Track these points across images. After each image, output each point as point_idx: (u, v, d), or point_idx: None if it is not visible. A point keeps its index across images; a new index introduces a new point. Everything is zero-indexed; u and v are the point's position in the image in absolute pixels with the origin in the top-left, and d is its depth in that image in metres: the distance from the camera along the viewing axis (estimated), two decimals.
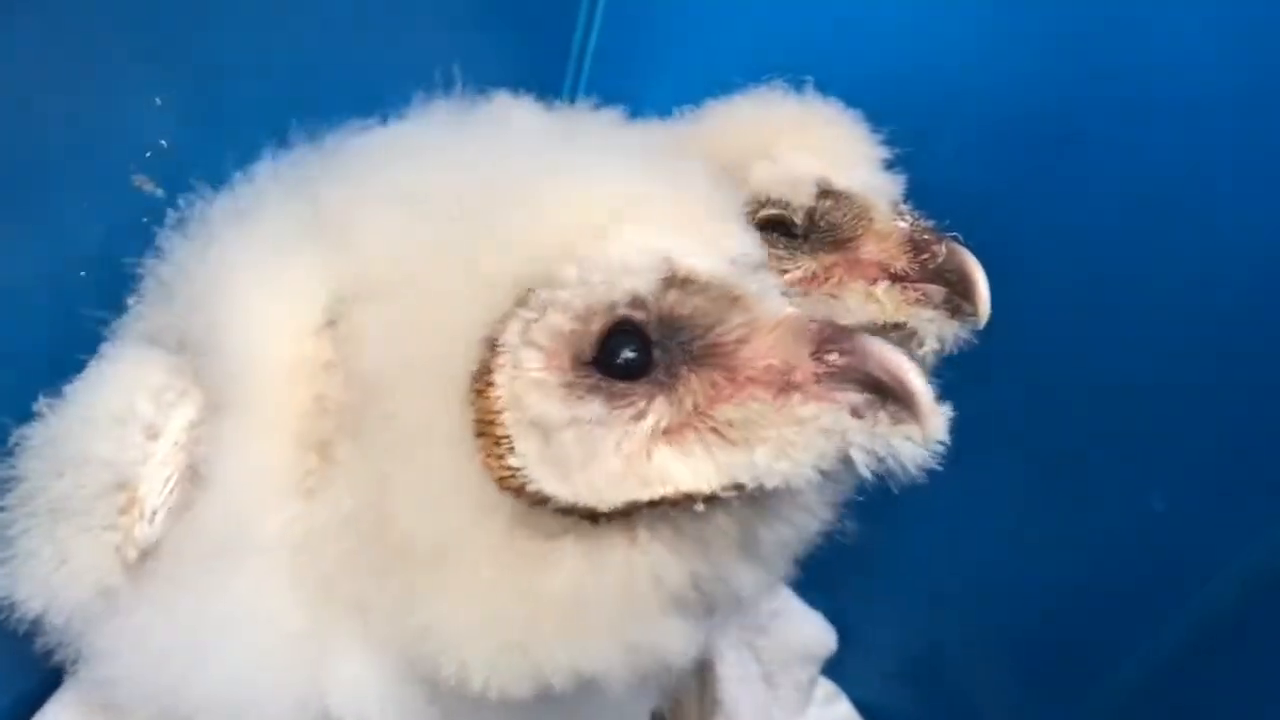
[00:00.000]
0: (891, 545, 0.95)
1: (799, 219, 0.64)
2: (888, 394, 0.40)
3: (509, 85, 0.78)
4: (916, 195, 0.65)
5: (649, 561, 0.42)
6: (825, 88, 0.67)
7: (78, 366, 0.55)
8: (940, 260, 0.61)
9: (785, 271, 0.63)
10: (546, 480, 0.41)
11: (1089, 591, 0.84)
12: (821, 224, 0.64)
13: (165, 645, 0.50)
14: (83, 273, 0.59)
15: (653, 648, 0.44)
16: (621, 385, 0.42)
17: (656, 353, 0.42)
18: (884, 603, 1.02)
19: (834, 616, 1.05)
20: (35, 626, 0.53)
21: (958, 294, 0.61)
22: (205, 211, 0.56)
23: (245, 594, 0.48)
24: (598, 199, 0.43)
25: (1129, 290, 0.73)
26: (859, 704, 1.05)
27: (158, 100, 0.60)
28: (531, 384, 0.41)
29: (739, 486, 0.40)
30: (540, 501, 0.41)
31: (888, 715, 1.04)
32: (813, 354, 0.42)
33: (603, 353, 0.42)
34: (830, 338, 0.42)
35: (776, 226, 0.64)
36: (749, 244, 0.44)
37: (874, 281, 0.62)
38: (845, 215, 0.63)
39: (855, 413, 0.41)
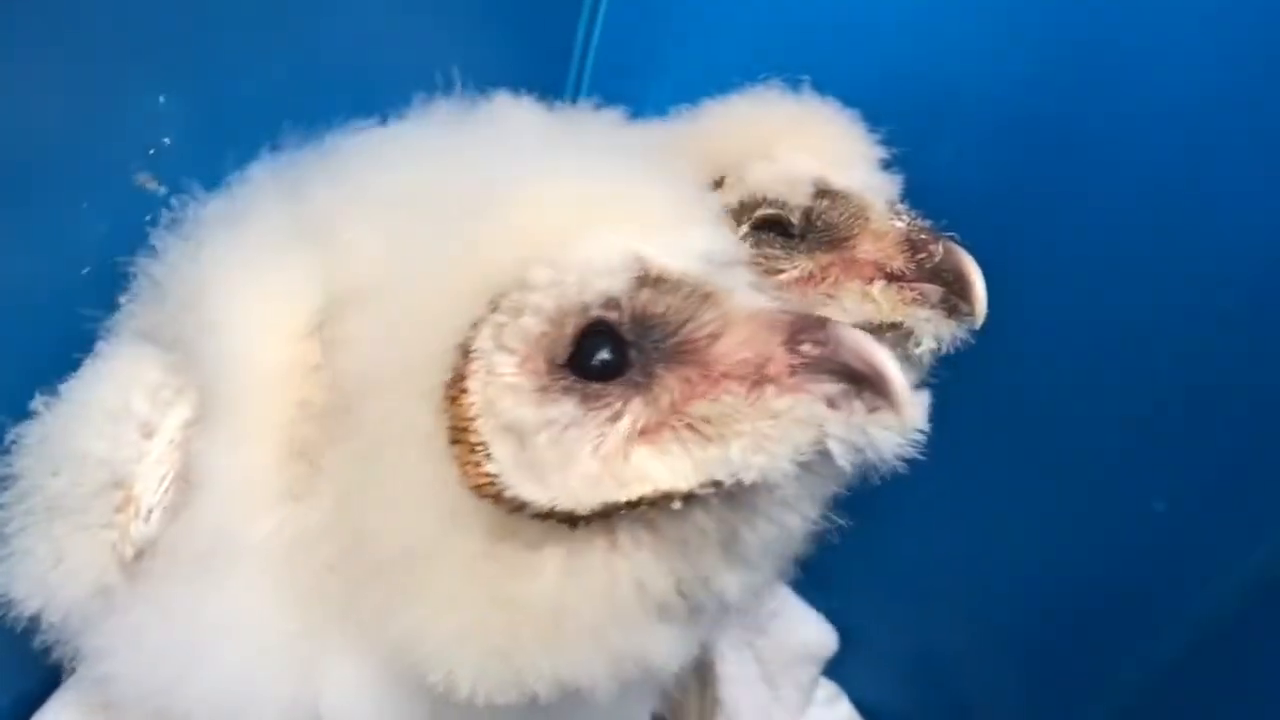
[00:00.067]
0: (893, 546, 0.95)
1: (796, 218, 0.64)
2: (863, 383, 0.40)
3: (511, 85, 0.78)
4: (914, 195, 0.65)
5: (631, 566, 0.42)
6: (826, 87, 0.67)
7: (76, 365, 0.55)
8: (937, 260, 0.61)
9: (782, 271, 0.63)
10: (523, 485, 0.40)
11: (1090, 592, 0.83)
12: (818, 223, 0.64)
13: (160, 645, 0.50)
14: (85, 270, 0.59)
15: (637, 655, 0.43)
16: (597, 387, 0.41)
17: (632, 353, 0.42)
18: (885, 603, 1.02)
19: (835, 617, 1.05)
20: (33, 624, 0.53)
21: (954, 293, 0.61)
22: (199, 211, 0.57)
23: (236, 597, 0.48)
24: (568, 201, 0.43)
25: (1129, 290, 0.72)
26: (860, 705, 1.05)
27: (161, 98, 0.60)
28: (505, 388, 0.41)
29: (716, 483, 0.40)
30: (518, 507, 0.41)
31: (888, 716, 1.04)
32: (786, 346, 0.41)
33: (577, 355, 0.41)
34: (803, 328, 0.41)
35: (773, 226, 0.64)
36: (720, 240, 0.44)
37: (870, 281, 0.62)
38: (842, 215, 0.63)
39: (831, 403, 0.40)
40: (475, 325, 0.42)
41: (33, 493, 0.52)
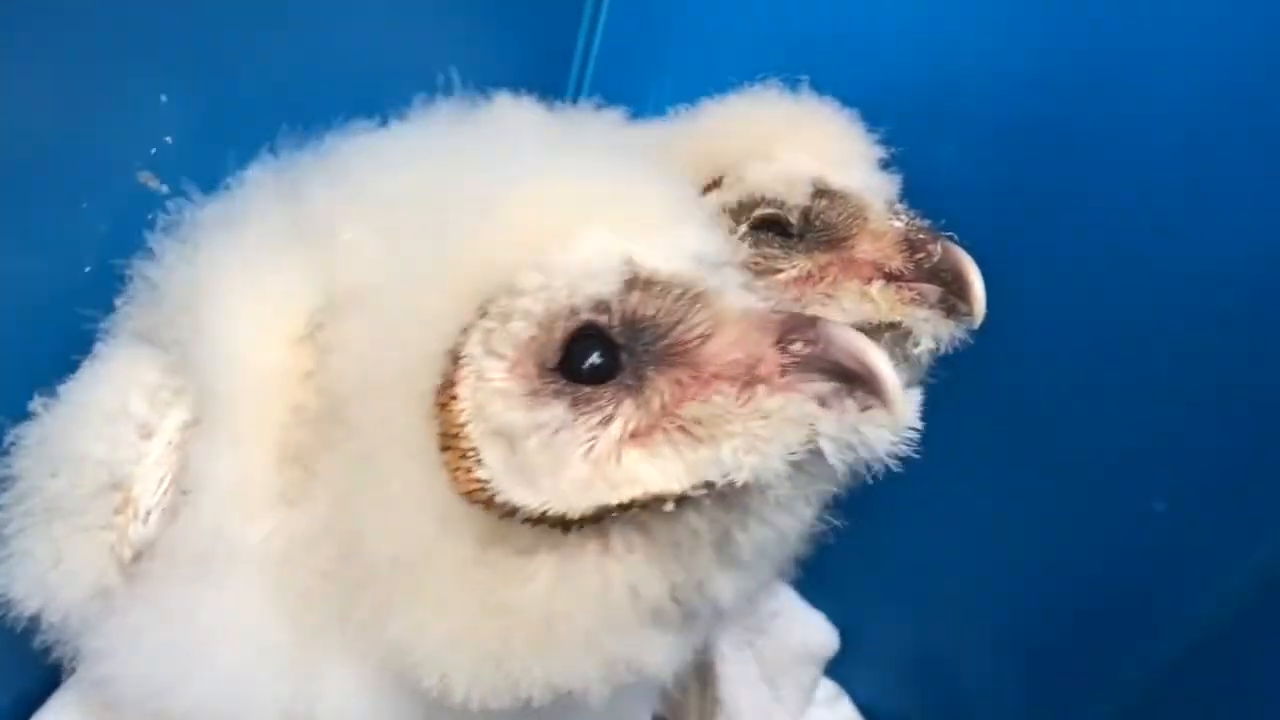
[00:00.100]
0: (894, 546, 0.95)
1: (794, 218, 0.64)
2: (855, 381, 0.40)
3: (513, 85, 0.78)
4: (913, 195, 0.65)
5: (624, 571, 0.41)
6: (826, 88, 0.67)
7: (75, 366, 0.55)
8: (935, 259, 0.61)
9: (780, 270, 0.63)
10: (514, 490, 0.40)
11: (1090, 592, 0.83)
12: (817, 223, 0.64)
13: (159, 647, 0.50)
14: (86, 268, 0.59)
15: (631, 661, 0.43)
16: (588, 390, 0.41)
17: (623, 356, 0.42)
18: (886, 603, 1.02)
19: (836, 617, 1.05)
20: (33, 624, 0.53)
21: (953, 293, 0.61)
22: (196, 213, 0.57)
23: (234, 600, 0.48)
24: (556, 204, 0.43)
25: (1129, 290, 0.72)
26: (861, 705, 1.05)
27: (163, 97, 0.60)
28: (495, 393, 0.41)
29: (709, 484, 0.40)
30: (509, 513, 0.41)
31: (890, 716, 1.04)
32: (777, 345, 0.41)
33: (568, 358, 0.42)
34: (794, 328, 0.41)
35: (772, 226, 0.64)
36: (710, 241, 0.44)
37: (869, 281, 0.62)
38: (840, 214, 0.63)
39: (822, 402, 0.40)
40: (464, 331, 0.42)
41: (31, 494, 0.51)
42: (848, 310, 0.61)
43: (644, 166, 0.47)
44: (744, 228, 0.64)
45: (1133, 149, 0.69)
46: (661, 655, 0.44)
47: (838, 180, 0.64)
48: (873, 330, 0.60)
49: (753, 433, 0.40)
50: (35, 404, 0.53)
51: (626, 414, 0.41)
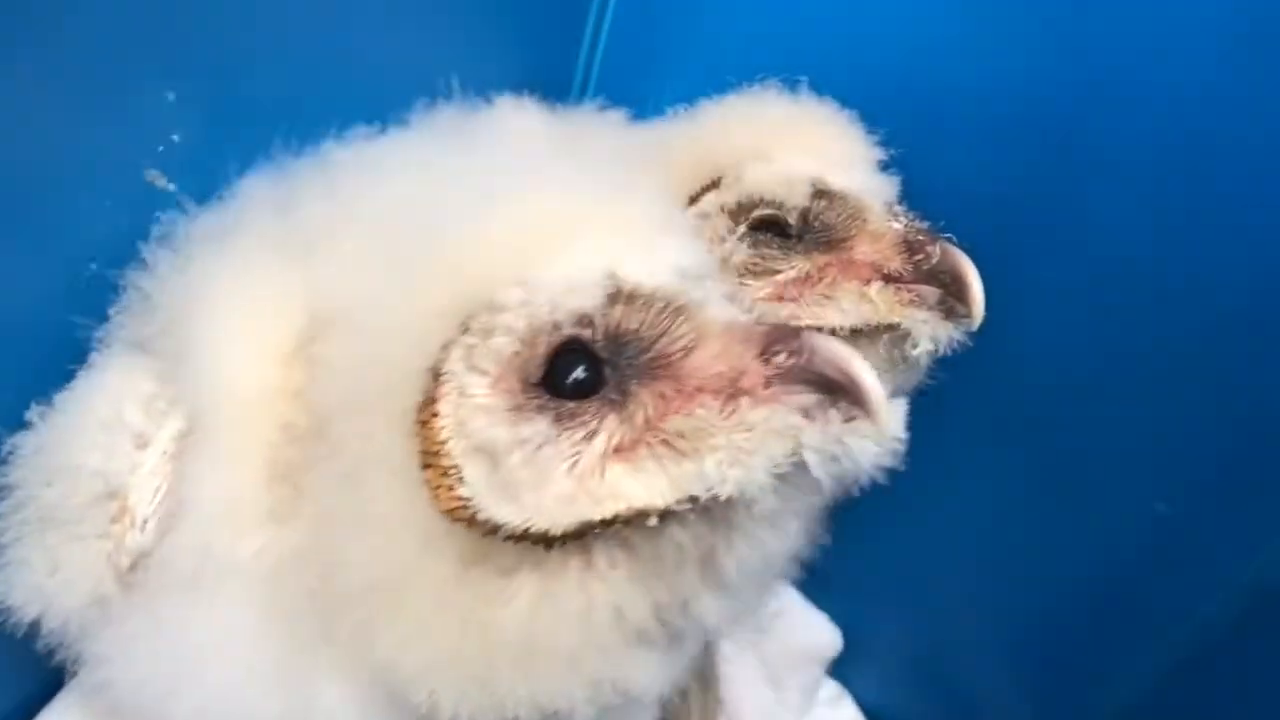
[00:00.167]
0: (896, 547, 0.95)
1: (793, 219, 0.64)
2: (838, 392, 0.40)
3: (520, 85, 0.78)
4: (912, 197, 0.65)
5: (607, 590, 0.41)
6: (831, 89, 0.67)
7: (72, 375, 0.55)
8: (934, 261, 0.61)
9: (779, 271, 0.63)
10: (496, 507, 0.40)
11: (1094, 594, 0.83)
12: (816, 224, 0.63)
13: (153, 658, 0.50)
14: (92, 266, 0.59)
15: (616, 681, 0.43)
16: (571, 405, 0.41)
17: (606, 370, 0.42)
18: (889, 604, 1.02)
19: (839, 617, 1.05)
20: (34, 629, 0.53)
21: (951, 295, 0.60)
22: (190, 225, 0.57)
23: (225, 616, 0.49)
24: (538, 220, 0.43)
25: (1130, 291, 0.72)
26: (864, 705, 1.05)
27: (170, 95, 0.60)
28: (478, 409, 0.41)
29: (693, 498, 0.39)
30: (491, 530, 0.40)
31: (893, 716, 1.04)
32: (761, 357, 0.41)
33: (551, 373, 0.41)
34: (778, 339, 0.41)
35: (771, 227, 0.64)
36: (693, 253, 0.44)
37: (868, 282, 0.62)
38: (839, 216, 0.63)
39: (806, 413, 0.40)
40: (445, 347, 0.42)
41: (28, 503, 0.51)
42: (846, 311, 0.61)
43: (626, 179, 0.47)
44: (743, 228, 0.64)
45: (1133, 150, 0.69)
46: (647, 675, 0.44)
47: (837, 181, 0.64)
48: (871, 332, 0.60)
49: (736, 445, 0.39)
50: (32, 413, 0.53)
51: (610, 428, 0.41)
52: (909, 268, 0.61)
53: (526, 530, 0.40)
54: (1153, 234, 0.69)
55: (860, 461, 0.39)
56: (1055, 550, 0.84)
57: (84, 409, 0.52)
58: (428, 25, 0.79)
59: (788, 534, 0.44)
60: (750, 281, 0.63)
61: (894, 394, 0.64)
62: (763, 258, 0.63)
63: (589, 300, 0.41)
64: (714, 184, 0.66)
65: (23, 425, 0.53)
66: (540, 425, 0.40)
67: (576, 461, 0.40)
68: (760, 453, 0.39)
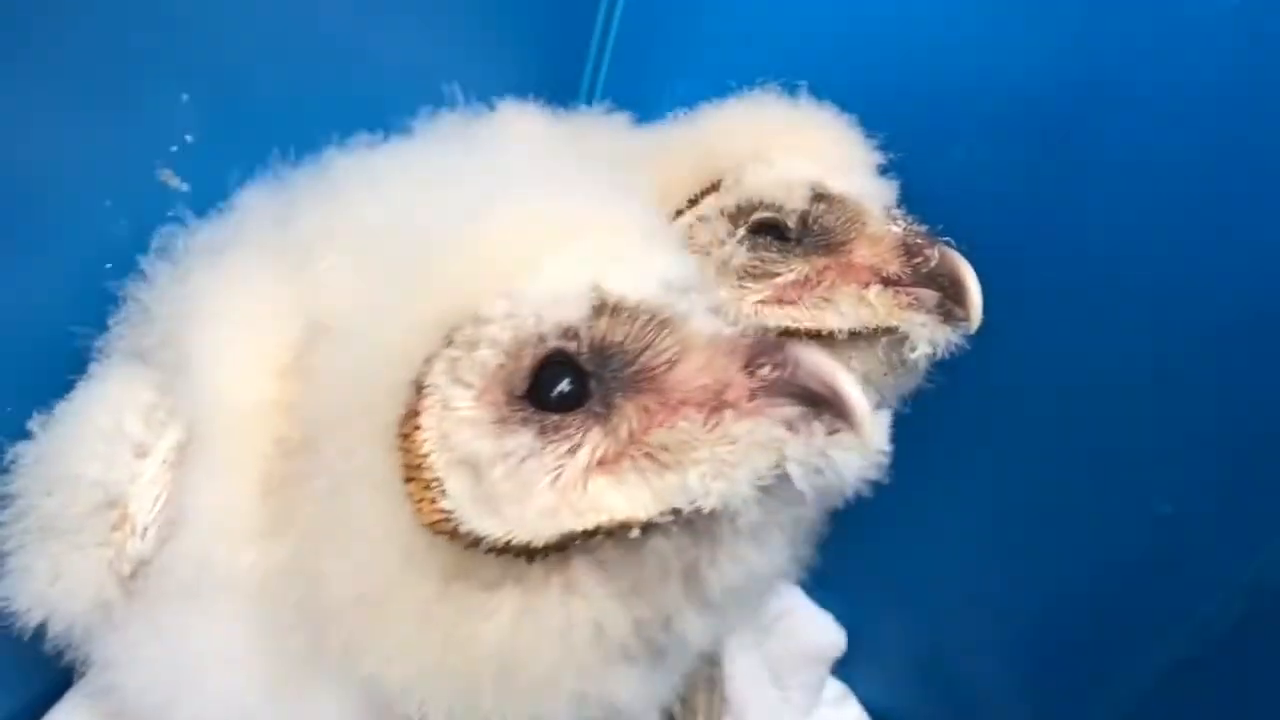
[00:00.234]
0: (900, 548, 0.95)
1: (792, 222, 0.64)
2: (822, 404, 0.40)
3: (528, 89, 0.78)
4: (912, 200, 0.65)
5: (588, 607, 0.41)
6: (834, 93, 0.67)
7: (72, 385, 0.56)
8: (933, 264, 0.61)
9: (778, 274, 0.63)
10: (479, 520, 0.40)
11: (1096, 594, 0.83)
12: (814, 227, 0.63)
13: (154, 666, 0.51)
14: (108, 264, 0.59)
15: (601, 697, 0.43)
16: (555, 418, 0.41)
17: (592, 383, 0.42)
18: (894, 604, 1.02)
19: (844, 618, 1.05)
20: (41, 631, 0.54)
21: (950, 299, 0.60)
22: (189, 237, 0.57)
23: (219, 629, 0.49)
24: (523, 233, 0.43)
25: (1131, 293, 0.72)
26: (868, 705, 1.05)
27: (184, 96, 0.60)
28: (461, 422, 0.41)
29: (675, 511, 0.39)
30: (473, 543, 0.40)
31: (897, 716, 1.03)
32: (745, 369, 0.41)
33: (536, 386, 0.41)
34: (762, 351, 0.41)
35: (770, 229, 0.64)
36: (678, 266, 0.44)
37: (866, 285, 0.62)
38: (838, 219, 0.63)
39: (790, 426, 0.40)
40: (428, 360, 0.42)
41: (29, 512, 0.52)
42: (845, 314, 0.61)
43: (613, 191, 0.47)
44: (742, 231, 0.64)
45: (1132, 153, 0.69)
46: (629, 691, 0.44)
47: (836, 185, 0.64)
48: (869, 335, 0.60)
49: (720, 458, 0.39)
50: (33, 423, 0.53)
51: (594, 441, 0.41)
52: (908, 271, 0.61)
53: (508, 543, 0.40)
54: (1153, 236, 0.69)
55: (844, 474, 0.39)
56: (1057, 550, 0.84)
57: (84, 419, 0.52)
58: (440, 31, 0.79)
59: (772, 550, 0.44)
60: (749, 284, 0.63)
61: (893, 396, 0.65)
62: (762, 260, 0.63)
63: (574, 312, 0.41)
64: (714, 187, 0.66)
65: (25, 435, 0.53)
66: (524, 438, 0.40)
67: (559, 474, 0.40)
68: (743, 465, 0.39)
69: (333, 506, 0.43)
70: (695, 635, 0.44)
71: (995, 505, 0.88)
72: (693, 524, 0.40)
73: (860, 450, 0.39)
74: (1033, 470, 0.84)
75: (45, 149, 0.55)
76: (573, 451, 0.41)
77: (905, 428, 0.67)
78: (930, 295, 0.61)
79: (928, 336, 0.60)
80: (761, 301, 0.63)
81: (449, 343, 0.42)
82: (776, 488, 0.40)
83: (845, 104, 0.67)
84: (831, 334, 0.60)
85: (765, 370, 0.41)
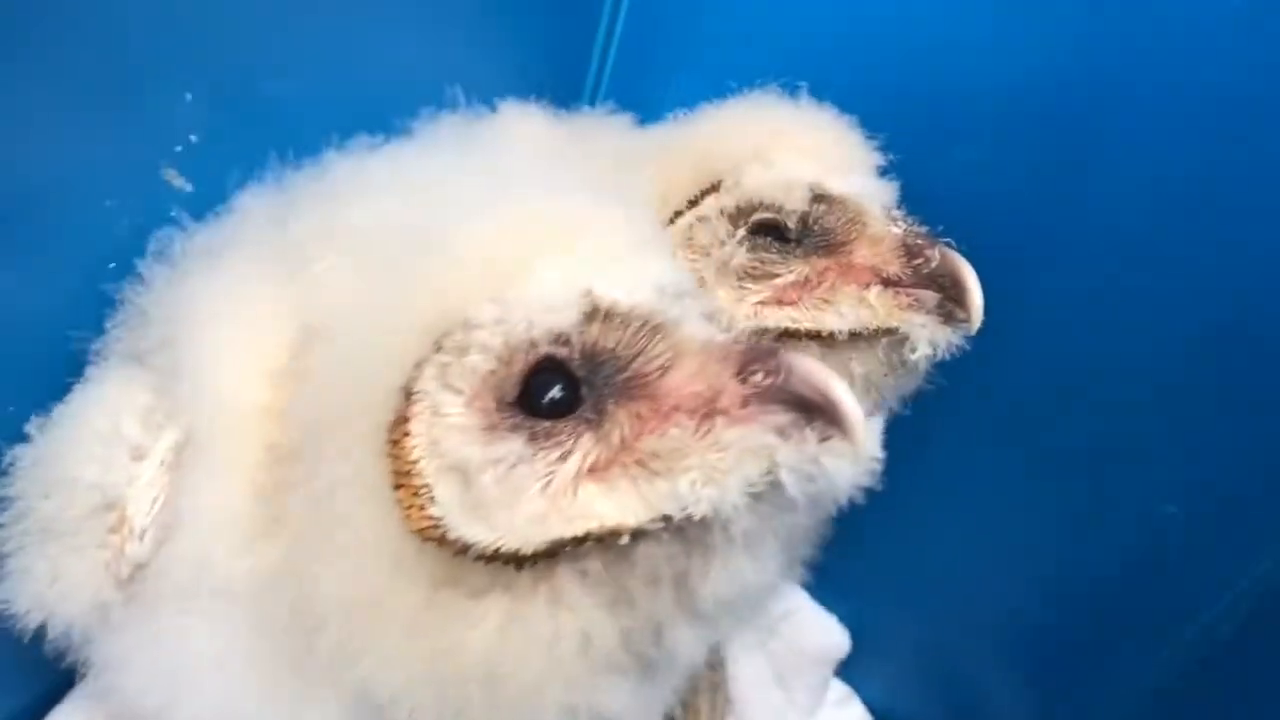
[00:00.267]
0: (905, 549, 0.95)
1: (792, 223, 0.63)
2: (815, 411, 0.39)
3: (532, 90, 0.78)
4: (913, 201, 0.65)
5: (575, 616, 0.41)
6: (834, 93, 0.67)
7: (70, 388, 0.56)
8: (933, 265, 0.60)
9: (778, 275, 0.63)
10: (468, 527, 0.40)
11: (1101, 596, 0.82)
12: (815, 228, 0.63)
13: (152, 668, 0.51)
14: (112, 264, 0.59)
15: (590, 708, 0.43)
16: (547, 425, 0.41)
17: (584, 390, 0.41)
18: (898, 605, 1.02)
19: (847, 619, 1.05)
20: (42, 633, 0.54)
21: (950, 299, 0.60)
22: (186, 241, 0.57)
23: (216, 632, 0.49)
24: (514, 237, 0.42)
25: (1134, 294, 0.71)
26: (872, 706, 1.04)
27: (188, 96, 0.60)
28: (451, 428, 0.41)
29: (666, 518, 0.39)
30: (462, 550, 0.40)
31: (900, 718, 1.03)
32: (738, 376, 0.41)
33: (527, 392, 0.41)
34: (755, 358, 0.41)
35: (770, 230, 0.64)
36: (671, 272, 0.44)
37: (866, 286, 0.61)
38: (839, 220, 0.63)
39: (782, 433, 0.39)
40: (418, 366, 0.41)
41: (28, 514, 0.52)
42: (845, 315, 0.61)
43: (605, 196, 0.46)
44: (742, 232, 0.64)
45: (1135, 153, 0.68)
46: (619, 703, 0.43)
47: (836, 186, 0.63)
48: (870, 336, 0.60)
49: (710, 465, 0.39)
50: (31, 426, 0.54)
51: (585, 448, 0.41)
52: (908, 272, 0.61)
53: (497, 550, 0.40)
54: (1154, 236, 0.69)
55: (836, 482, 0.39)
56: (1062, 552, 0.84)
57: (81, 422, 0.52)
58: (445, 32, 0.79)
59: (765, 560, 0.43)
60: (749, 285, 0.63)
61: (894, 398, 0.64)
62: (762, 261, 0.63)
63: (566, 318, 0.41)
64: (714, 187, 0.66)
65: (23, 438, 0.53)
66: (514, 444, 0.40)
67: (550, 481, 0.40)
68: (735, 472, 0.39)
69: (323, 511, 0.43)
70: (686, 647, 0.43)
71: (999, 507, 0.88)
72: (684, 532, 0.40)
73: (853, 458, 0.39)
74: (1036, 471, 0.83)
75: (46, 149, 0.55)
76: (563, 458, 0.40)
77: (909, 429, 0.67)
78: (931, 296, 0.60)
79: (928, 337, 0.60)
80: (761, 302, 0.62)
81: (439, 348, 0.41)
82: (768, 495, 0.39)
83: (845, 105, 0.67)
84: (831, 335, 0.60)
85: (758, 377, 0.40)
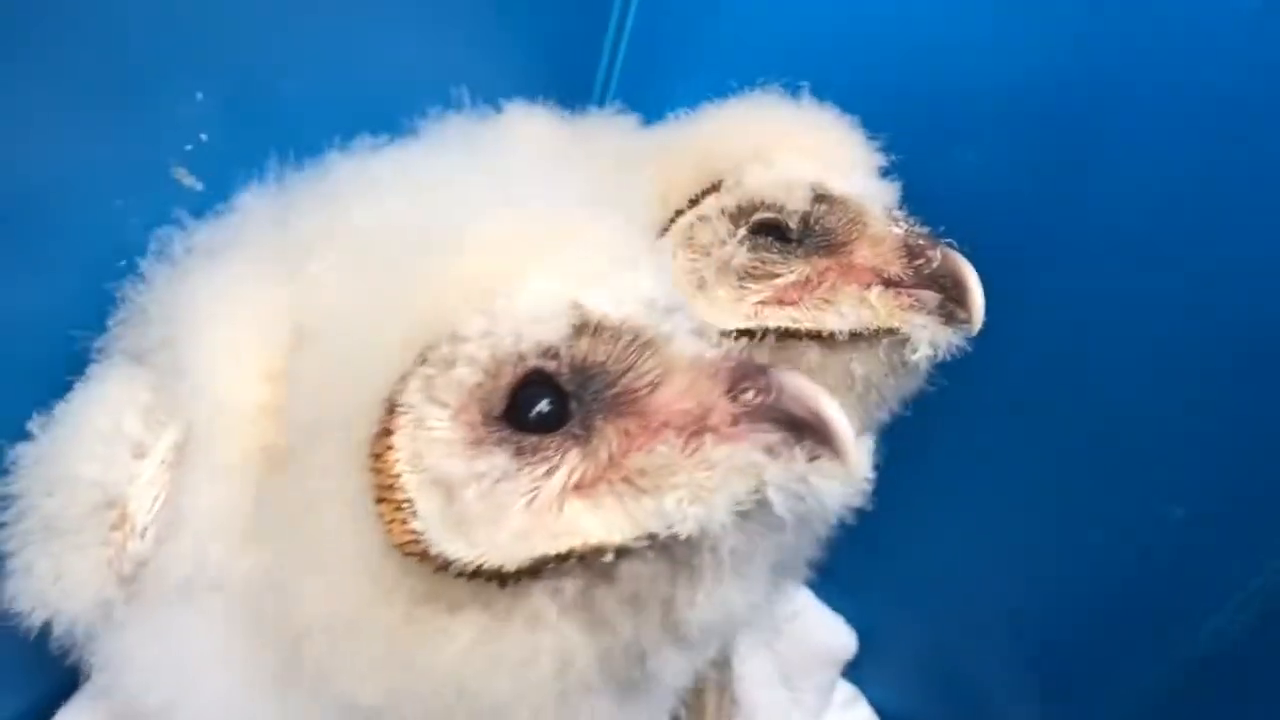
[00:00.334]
0: (911, 550, 0.95)
1: (793, 223, 0.63)
2: (806, 430, 0.39)
3: (541, 90, 0.78)
4: (913, 201, 0.65)
5: (553, 636, 0.40)
6: (836, 94, 0.67)
7: (71, 386, 0.56)
8: (934, 266, 0.60)
9: (778, 275, 0.63)
10: (449, 542, 0.39)
11: (1108, 598, 0.82)
12: (816, 228, 0.63)
13: (154, 666, 0.51)
14: (122, 262, 0.59)
15: None
16: (533, 439, 0.40)
17: (572, 404, 0.41)
18: (904, 607, 1.02)
19: (854, 620, 1.05)
20: (46, 631, 0.54)
21: (951, 300, 0.60)
22: (186, 239, 0.57)
23: (216, 631, 0.49)
24: (503, 249, 0.42)
25: (1137, 295, 0.71)
26: (878, 707, 1.04)
27: (199, 95, 0.61)
28: (434, 442, 0.40)
29: (651, 536, 0.38)
30: (443, 566, 0.39)
31: (907, 718, 1.03)
32: (728, 394, 0.40)
33: (515, 406, 0.40)
34: (745, 376, 0.40)
35: (771, 230, 0.64)
36: (661, 286, 0.43)
37: (868, 286, 0.61)
38: (840, 220, 0.63)
39: (771, 451, 0.39)
40: (403, 378, 0.41)
41: (30, 513, 0.52)
42: (845, 316, 0.61)
43: (597, 208, 0.46)
44: (743, 232, 0.64)
45: (1137, 153, 0.68)
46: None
47: (837, 186, 0.63)
48: (870, 336, 0.60)
49: (697, 483, 0.39)
50: (33, 424, 0.54)
51: (572, 464, 0.40)
52: (909, 272, 0.61)
53: (479, 567, 0.39)
54: (1156, 236, 0.69)
55: (825, 501, 0.39)
56: (1069, 554, 0.84)
57: (82, 420, 0.53)
58: (453, 32, 0.79)
59: (751, 582, 0.43)
60: (750, 285, 0.63)
61: (894, 399, 0.64)
62: (763, 261, 0.63)
63: (555, 331, 0.40)
64: (715, 187, 0.66)
65: (25, 436, 0.54)
66: (499, 459, 0.40)
67: (535, 497, 0.39)
68: (722, 490, 0.38)
69: (307, 521, 0.43)
70: (670, 670, 0.43)
71: (1005, 508, 0.87)
72: (670, 551, 0.39)
73: (844, 477, 0.38)
74: (1042, 473, 0.83)
75: (54, 149, 0.55)
76: (549, 474, 0.40)
77: (913, 430, 0.67)
78: (932, 297, 0.60)
79: (929, 338, 0.60)
80: (762, 302, 0.62)
81: (424, 361, 0.41)
82: (756, 513, 0.39)
83: (847, 105, 0.67)
84: (832, 335, 0.60)
85: (749, 395, 0.40)
